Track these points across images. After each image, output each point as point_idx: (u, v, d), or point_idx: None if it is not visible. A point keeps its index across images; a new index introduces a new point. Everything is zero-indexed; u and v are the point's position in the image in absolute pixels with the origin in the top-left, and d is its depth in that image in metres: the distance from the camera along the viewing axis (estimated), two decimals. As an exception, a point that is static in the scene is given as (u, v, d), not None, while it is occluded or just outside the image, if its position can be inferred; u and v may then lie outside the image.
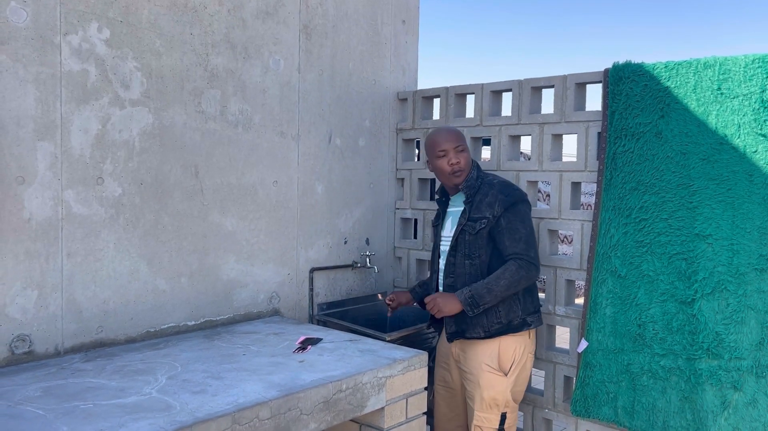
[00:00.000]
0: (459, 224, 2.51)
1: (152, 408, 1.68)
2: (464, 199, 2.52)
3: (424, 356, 2.33)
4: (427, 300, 2.48)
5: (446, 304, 2.43)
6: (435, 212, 3.33)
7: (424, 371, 2.33)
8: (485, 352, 2.50)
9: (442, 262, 2.62)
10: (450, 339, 2.54)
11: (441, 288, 2.60)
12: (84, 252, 2.20)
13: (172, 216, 2.46)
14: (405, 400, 2.24)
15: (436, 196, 2.78)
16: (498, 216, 2.44)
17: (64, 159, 2.13)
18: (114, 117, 2.26)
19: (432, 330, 2.86)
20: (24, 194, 2.04)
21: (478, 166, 2.61)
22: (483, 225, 2.45)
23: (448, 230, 2.62)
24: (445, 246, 2.61)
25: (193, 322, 2.56)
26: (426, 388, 2.35)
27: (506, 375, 2.49)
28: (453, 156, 2.51)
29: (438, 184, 2.82)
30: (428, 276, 3.27)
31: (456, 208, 2.62)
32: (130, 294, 2.34)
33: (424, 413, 2.35)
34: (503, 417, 2.49)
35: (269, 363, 2.12)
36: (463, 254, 2.49)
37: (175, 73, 2.44)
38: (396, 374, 2.19)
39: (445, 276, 2.53)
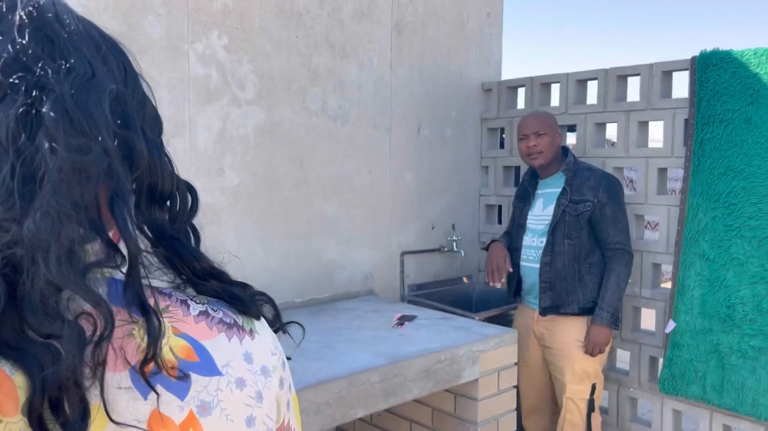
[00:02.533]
0: (559, 204, 2.65)
1: (279, 371, 1.92)
2: (564, 180, 2.67)
3: (514, 333, 2.49)
4: (585, 342, 2.61)
5: (603, 339, 2.58)
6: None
7: (515, 347, 2.48)
8: (576, 328, 2.65)
9: (529, 239, 2.77)
10: (544, 313, 2.69)
11: (532, 265, 2.73)
12: (209, 236, 2.48)
13: (281, 204, 2.71)
14: (497, 374, 2.41)
15: (525, 177, 2.91)
16: (603, 202, 2.59)
17: (191, 153, 2.42)
18: (232, 115, 2.52)
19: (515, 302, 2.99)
20: (161, 185, 2.33)
21: (569, 151, 2.77)
22: (587, 209, 2.60)
23: (540, 209, 2.76)
24: (536, 224, 2.75)
25: (299, 299, 2.82)
26: (516, 363, 2.50)
27: (608, 342, 2.63)
28: (532, 139, 2.67)
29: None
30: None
31: (549, 190, 2.75)
32: (247, 273, 2.61)
33: (514, 386, 2.51)
34: (593, 387, 2.64)
35: (372, 336, 2.33)
36: (563, 234, 2.63)
37: (283, 73, 2.68)
38: (489, 349, 2.36)
39: (543, 254, 2.67)
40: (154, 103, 0.57)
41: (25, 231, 0.42)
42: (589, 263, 2.64)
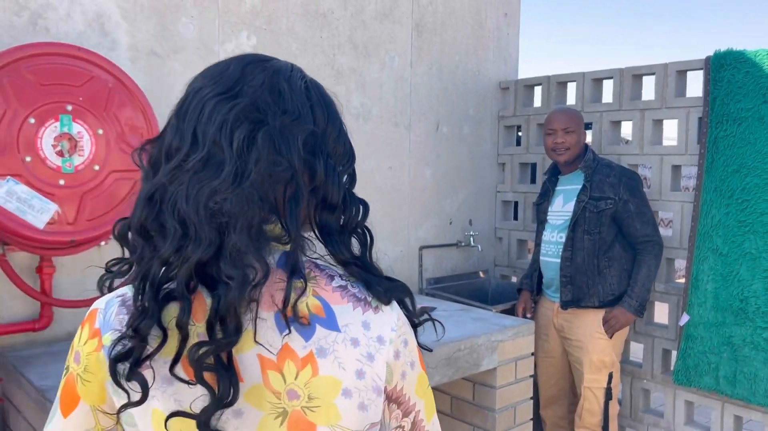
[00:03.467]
0: (579, 201, 2.72)
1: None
2: (583, 177, 2.73)
3: (531, 325, 2.57)
4: (605, 318, 2.70)
5: (624, 321, 2.69)
6: (536, 194, 3.53)
7: (532, 338, 2.57)
8: (595, 320, 2.72)
9: (549, 235, 2.86)
10: (565, 307, 2.75)
11: (552, 260, 2.82)
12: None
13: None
14: (514, 363, 2.50)
15: (546, 175, 3.00)
16: (625, 199, 2.66)
17: (222, 149, 2.51)
18: (260, 112, 2.62)
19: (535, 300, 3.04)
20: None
21: (589, 148, 2.83)
22: (608, 206, 2.67)
23: (560, 206, 2.83)
24: (556, 220, 2.84)
25: (322, 291, 2.91)
26: (533, 353, 2.59)
27: (611, 338, 2.72)
28: (560, 135, 2.73)
29: (549, 163, 3.07)
30: (529, 258, 3.48)
31: (569, 186, 2.82)
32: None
33: (531, 376, 2.59)
34: (610, 376, 2.72)
35: (395, 326, 2.42)
36: (583, 230, 2.70)
37: (309, 72, 2.76)
38: (507, 339, 2.45)
39: (564, 249, 2.74)
40: (350, 141, 0.86)
41: (227, 207, 0.68)
42: (609, 257, 2.71)
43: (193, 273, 0.69)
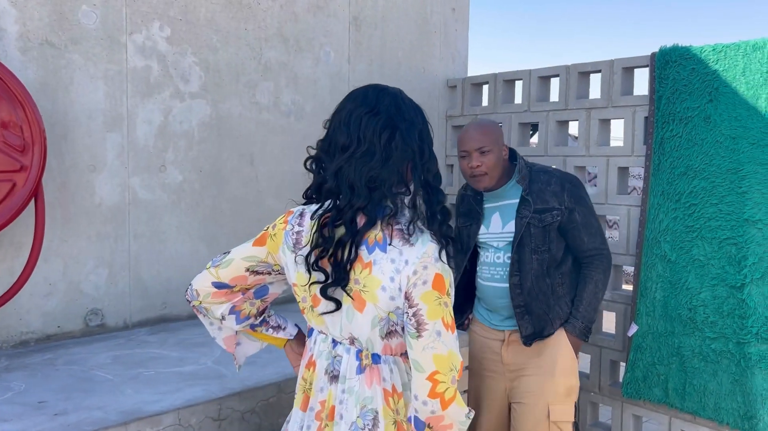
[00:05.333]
0: (521, 217, 2.26)
1: (207, 376, 1.83)
2: (522, 190, 2.28)
3: (464, 336, 2.40)
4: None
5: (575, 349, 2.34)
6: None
7: (465, 350, 2.40)
8: (559, 343, 2.30)
9: (491, 256, 2.35)
10: (528, 342, 2.28)
11: (498, 284, 2.32)
12: (149, 234, 2.39)
13: (230, 202, 2.62)
14: (446, 378, 2.32)
15: (463, 191, 2.51)
16: (570, 208, 2.27)
17: (130, 148, 2.32)
18: (175, 109, 2.43)
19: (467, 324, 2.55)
20: (95, 181, 2.24)
21: (517, 154, 2.37)
22: (555, 219, 2.25)
23: (498, 227, 2.34)
24: (497, 242, 2.34)
25: (249, 301, 2.73)
26: (467, 367, 2.42)
27: (577, 355, 2.37)
28: (475, 158, 2.23)
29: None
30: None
31: (504, 201, 2.34)
32: (191, 273, 2.51)
33: (464, 391, 2.43)
34: (576, 406, 2.38)
35: (317, 340, 2.24)
36: (530, 249, 2.26)
37: (231, 66, 2.59)
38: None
39: (511, 275, 2.27)
40: (432, 136, 1.34)
41: (380, 176, 1.23)
42: (561, 273, 2.33)
43: (355, 214, 1.24)
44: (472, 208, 2.41)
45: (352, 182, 1.22)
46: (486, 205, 2.37)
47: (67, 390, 1.70)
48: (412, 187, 1.25)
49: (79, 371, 1.87)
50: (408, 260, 1.21)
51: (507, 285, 2.29)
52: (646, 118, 2.68)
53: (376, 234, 1.24)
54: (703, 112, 2.47)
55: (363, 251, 1.25)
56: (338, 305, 1.28)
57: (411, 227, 1.24)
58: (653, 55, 2.61)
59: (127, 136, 2.31)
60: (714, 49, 2.43)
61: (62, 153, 2.16)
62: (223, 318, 1.44)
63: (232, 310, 1.43)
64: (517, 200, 2.29)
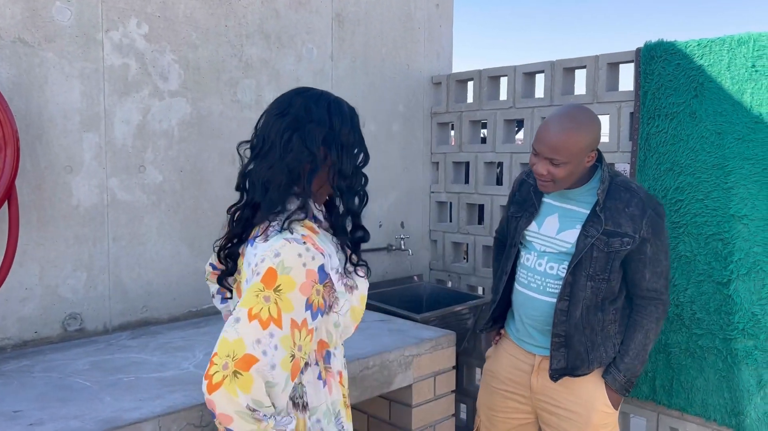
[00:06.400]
0: (587, 235, 1.91)
1: (188, 382, 1.79)
2: (595, 200, 1.92)
3: (452, 336, 2.38)
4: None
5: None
6: (470, 194, 3.36)
7: (452, 350, 2.38)
8: (599, 386, 1.99)
9: (533, 259, 2.03)
10: (556, 377, 1.99)
11: (538, 296, 2.01)
12: (129, 236, 2.34)
13: (211, 202, 2.58)
14: (433, 378, 2.30)
15: (525, 177, 2.16)
16: (645, 238, 1.91)
17: (108, 149, 2.27)
18: (154, 108, 2.38)
19: (487, 328, 2.25)
20: (72, 182, 2.19)
21: (602, 159, 1.99)
22: (624, 247, 1.90)
23: (552, 230, 2.00)
24: (545, 247, 2.01)
25: (232, 303, 2.68)
26: (454, 367, 2.40)
27: (617, 409, 2.02)
28: (542, 166, 1.88)
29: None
30: (464, 263, 3.27)
31: (570, 206, 1.99)
32: (172, 275, 2.47)
33: (453, 391, 2.40)
34: None
35: (301, 342, 2.21)
36: (587, 274, 1.91)
37: (211, 64, 2.54)
38: (423, 353, 2.26)
39: (560, 298, 1.94)
40: (361, 134, 1.43)
41: (270, 173, 1.30)
42: (615, 309, 1.99)
43: (250, 210, 1.35)
44: (529, 197, 2.08)
45: (253, 181, 1.33)
46: (546, 199, 2.04)
47: (44, 399, 1.66)
48: (308, 188, 1.31)
49: (56, 378, 1.82)
50: (257, 253, 1.28)
51: (545, 298, 1.98)
52: (631, 113, 2.66)
53: (257, 230, 1.33)
54: (688, 107, 2.46)
55: (246, 246, 1.35)
56: (231, 293, 1.47)
57: (284, 225, 1.29)
58: (638, 50, 2.60)
59: (105, 136, 2.25)
60: (699, 44, 2.42)
61: (37, 154, 2.11)
62: (213, 296, 1.66)
63: (219, 290, 1.62)
64: (586, 211, 1.95)
